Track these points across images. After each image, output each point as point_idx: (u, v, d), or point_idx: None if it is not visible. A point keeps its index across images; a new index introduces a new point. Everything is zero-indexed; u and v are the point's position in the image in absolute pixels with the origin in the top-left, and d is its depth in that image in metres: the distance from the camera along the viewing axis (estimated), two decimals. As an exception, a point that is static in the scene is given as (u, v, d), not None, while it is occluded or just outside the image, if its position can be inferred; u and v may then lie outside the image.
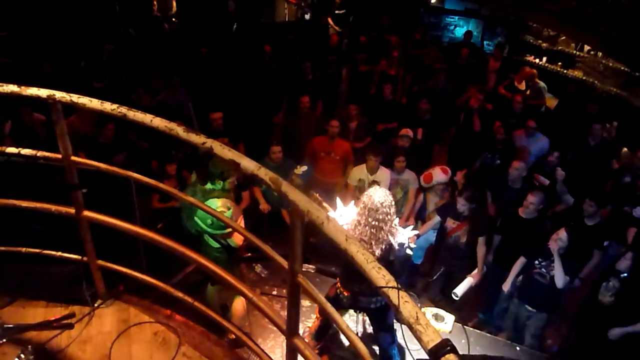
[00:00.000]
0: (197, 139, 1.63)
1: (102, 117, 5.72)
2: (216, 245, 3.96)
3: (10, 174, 2.58)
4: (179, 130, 1.66)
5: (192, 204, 2.29)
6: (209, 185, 4.23)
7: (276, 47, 8.51)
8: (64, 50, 7.76)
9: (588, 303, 4.59)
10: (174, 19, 10.07)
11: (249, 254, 4.37)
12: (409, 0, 11.31)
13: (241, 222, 4.27)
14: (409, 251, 3.53)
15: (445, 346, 0.94)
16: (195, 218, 3.88)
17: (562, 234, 4.33)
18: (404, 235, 3.41)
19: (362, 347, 1.41)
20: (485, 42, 11.04)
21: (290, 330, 1.65)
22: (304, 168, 5.59)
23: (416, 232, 4.01)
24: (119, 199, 3.07)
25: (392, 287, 1.06)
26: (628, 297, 4.14)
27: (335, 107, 7.49)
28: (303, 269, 5.11)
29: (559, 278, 4.33)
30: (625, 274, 4.18)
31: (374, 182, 5.52)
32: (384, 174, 5.53)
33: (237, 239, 3.92)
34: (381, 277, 1.10)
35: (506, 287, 4.81)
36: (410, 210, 5.67)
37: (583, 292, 4.82)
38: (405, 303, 1.03)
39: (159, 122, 1.70)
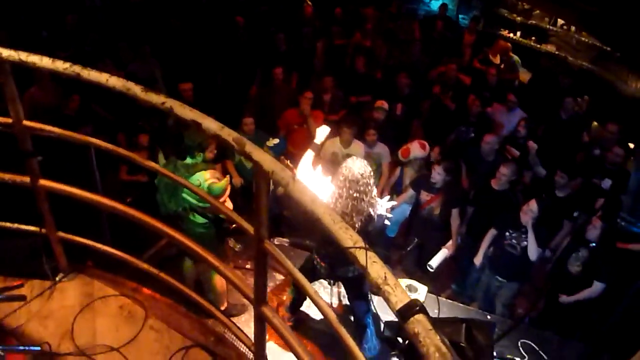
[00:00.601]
0: (156, 98, 1.53)
1: (66, 88, 5.48)
2: (202, 220, 3.85)
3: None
4: (136, 90, 1.56)
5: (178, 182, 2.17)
6: (189, 160, 4.03)
7: (249, 18, 8.27)
8: (24, 19, 7.37)
9: (557, 272, 4.68)
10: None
11: (234, 226, 4.25)
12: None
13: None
14: (387, 222, 3.50)
15: (414, 306, 0.89)
16: (184, 195, 3.74)
17: (533, 204, 4.38)
18: (382, 206, 3.39)
19: (330, 314, 1.36)
20: (460, 16, 10.97)
21: (258, 299, 1.60)
22: (276, 141, 5.50)
23: (393, 202, 3.98)
24: (81, 169, 2.94)
25: (360, 248, 1.01)
26: (595, 266, 4.24)
27: (309, 80, 7.35)
28: (277, 242, 5.07)
29: (532, 250, 4.39)
30: (594, 244, 4.26)
31: (348, 156, 5.46)
32: (358, 147, 5.46)
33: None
34: (348, 237, 1.04)
35: (478, 259, 4.86)
36: (385, 184, 5.65)
37: (552, 261, 4.92)
38: (373, 263, 0.98)
39: (115, 82, 1.59)
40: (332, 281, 4.60)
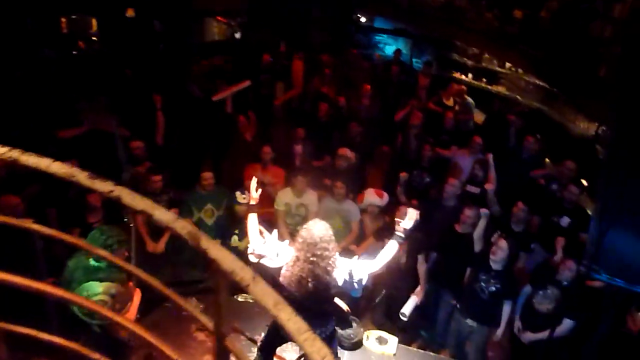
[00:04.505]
0: (103, 186, 1.42)
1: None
2: None
3: None
4: (81, 177, 1.44)
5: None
6: (92, 262, 3.30)
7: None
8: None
9: (524, 312, 4.65)
10: (93, 38, 9.55)
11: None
12: (339, 19, 11.43)
13: (133, 310, 3.61)
14: (355, 285, 3.32)
15: None
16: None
17: (502, 243, 4.41)
18: (342, 271, 3.21)
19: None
20: (414, 60, 11.32)
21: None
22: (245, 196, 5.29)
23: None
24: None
25: (329, 364, 0.92)
26: (567, 304, 4.29)
27: (269, 127, 7.30)
28: (241, 299, 4.83)
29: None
30: (566, 283, 4.33)
31: (301, 206, 5.26)
32: (311, 196, 5.28)
33: (122, 333, 3.41)
34: (315, 351, 0.96)
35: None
36: (351, 242, 5.36)
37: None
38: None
39: (57, 168, 1.47)
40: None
